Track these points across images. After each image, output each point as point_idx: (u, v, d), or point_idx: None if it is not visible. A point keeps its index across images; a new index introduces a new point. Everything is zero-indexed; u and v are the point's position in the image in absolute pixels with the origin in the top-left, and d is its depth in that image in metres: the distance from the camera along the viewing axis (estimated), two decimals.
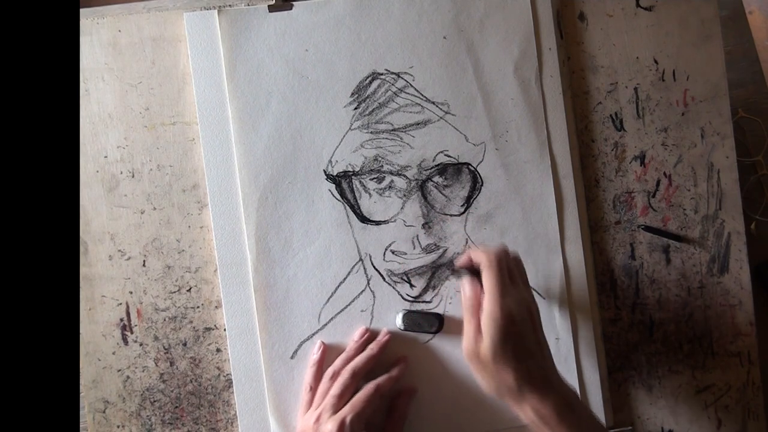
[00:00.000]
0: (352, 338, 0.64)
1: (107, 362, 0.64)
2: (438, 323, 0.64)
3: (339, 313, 0.64)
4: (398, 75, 0.65)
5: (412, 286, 0.64)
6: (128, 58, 0.65)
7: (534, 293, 0.65)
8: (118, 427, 0.64)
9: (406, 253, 0.64)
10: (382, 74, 0.65)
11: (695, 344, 0.68)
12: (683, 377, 0.68)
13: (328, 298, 0.64)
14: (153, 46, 0.65)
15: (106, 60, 0.64)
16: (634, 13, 0.67)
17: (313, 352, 0.63)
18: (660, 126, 0.68)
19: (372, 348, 0.62)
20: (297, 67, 0.64)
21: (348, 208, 0.64)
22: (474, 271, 0.57)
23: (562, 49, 0.67)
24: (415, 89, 0.65)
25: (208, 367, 0.65)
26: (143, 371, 0.65)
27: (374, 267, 0.64)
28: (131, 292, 0.65)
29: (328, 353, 0.64)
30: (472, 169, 0.65)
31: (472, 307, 0.56)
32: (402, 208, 0.64)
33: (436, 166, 0.65)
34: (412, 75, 0.65)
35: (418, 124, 0.65)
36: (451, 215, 0.65)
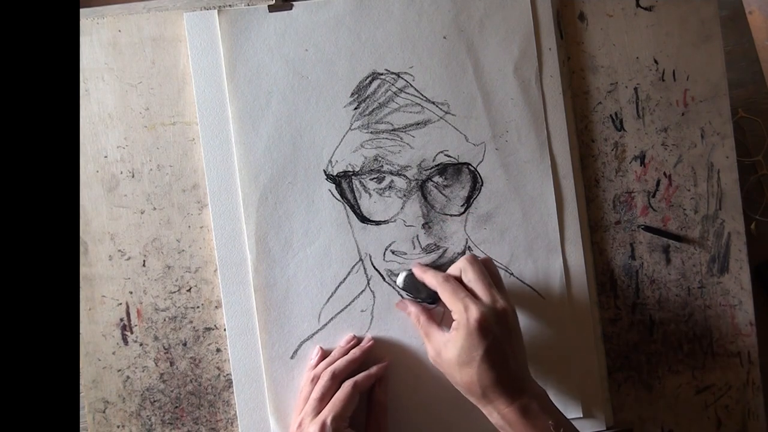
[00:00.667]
0: (339, 344, 0.64)
1: (107, 362, 0.64)
2: (435, 296, 0.62)
3: (339, 313, 0.64)
4: (398, 75, 0.65)
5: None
6: (128, 58, 0.65)
7: (534, 293, 0.65)
8: (118, 427, 0.64)
9: (406, 253, 0.64)
10: (382, 74, 0.65)
11: (695, 344, 0.68)
12: (683, 377, 0.68)
13: (328, 298, 0.64)
14: (153, 46, 0.65)
15: (106, 60, 0.64)
16: (634, 13, 0.67)
17: (311, 357, 0.63)
18: (660, 126, 0.68)
19: (354, 352, 0.62)
20: (297, 67, 0.64)
21: (348, 208, 0.65)
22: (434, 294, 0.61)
23: (562, 49, 0.67)
24: (415, 89, 0.65)
25: (208, 367, 0.65)
26: (143, 371, 0.65)
27: (374, 267, 0.65)
28: (131, 292, 0.65)
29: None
30: (472, 169, 0.65)
31: (420, 321, 0.60)
32: (402, 208, 0.64)
33: (436, 166, 0.65)
34: (412, 75, 0.65)
35: (418, 124, 0.65)
36: (451, 215, 0.65)
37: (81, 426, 0.64)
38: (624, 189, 0.68)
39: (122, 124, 0.65)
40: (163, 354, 0.65)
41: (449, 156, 0.65)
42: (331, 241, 0.64)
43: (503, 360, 0.54)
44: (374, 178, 0.64)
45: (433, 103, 0.65)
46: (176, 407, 0.65)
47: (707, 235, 0.68)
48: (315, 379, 0.61)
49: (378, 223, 0.64)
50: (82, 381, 0.64)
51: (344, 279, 0.64)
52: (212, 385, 0.65)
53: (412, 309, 0.62)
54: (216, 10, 0.64)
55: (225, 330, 0.64)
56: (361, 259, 0.64)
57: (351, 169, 0.64)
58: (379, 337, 0.64)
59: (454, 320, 0.56)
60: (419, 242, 0.64)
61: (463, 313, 0.55)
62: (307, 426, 0.57)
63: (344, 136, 0.64)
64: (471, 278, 0.58)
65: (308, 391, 0.60)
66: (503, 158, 0.66)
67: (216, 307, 0.65)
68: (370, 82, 0.65)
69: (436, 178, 0.65)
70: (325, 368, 0.61)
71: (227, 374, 0.65)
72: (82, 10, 0.63)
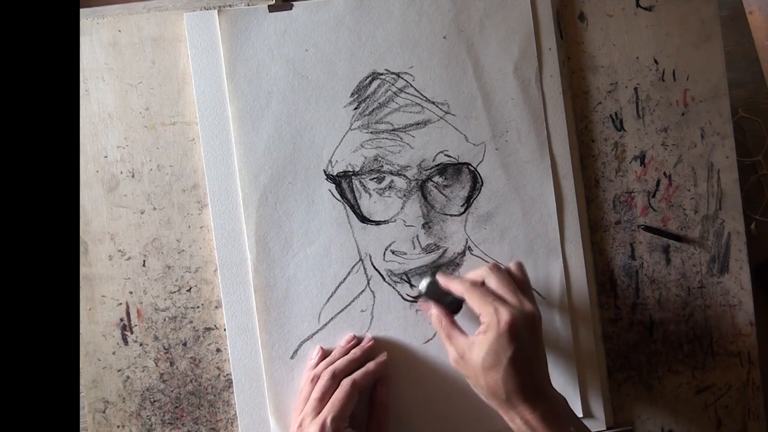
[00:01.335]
0: (339, 344, 0.64)
1: (107, 362, 0.64)
2: (458, 305, 0.62)
3: (339, 313, 0.64)
4: (398, 75, 0.65)
5: (412, 286, 0.64)
6: (128, 58, 0.65)
7: (534, 293, 0.65)
8: (118, 427, 0.64)
9: (406, 253, 0.64)
10: (382, 74, 0.65)
11: (695, 344, 0.68)
12: (683, 377, 0.68)
13: (328, 298, 0.64)
14: (153, 46, 0.65)
15: (106, 60, 0.64)
16: (634, 13, 0.67)
17: (311, 357, 0.63)
18: (660, 126, 0.68)
19: (354, 352, 0.62)
20: (297, 67, 0.64)
21: (348, 208, 0.64)
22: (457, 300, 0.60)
23: (562, 49, 0.67)
24: (415, 89, 0.65)
25: (208, 367, 0.65)
26: (143, 371, 0.65)
27: (374, 267, 0.65)
28: (131, 292, 0.65)
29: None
30: (472, 169, 0.65)
31: (441, 324, 0.59)
32: (402, 208, 0.64)
33: (436, 166, 0.65)
34: (412, 75, 0.65)
35: (418, 124, 0.65)
36: (451, 215, 0.65)
37: (81, 426, 0.64)
38: (624, 189, 0.68)
39: (122, 124, 0.65)
40: (163, 354, 0.65)
41: (449, 156, 0.65)
42: (331, 241, 0.64)
43: (529, 365, 0.54)
44: (374, 178, 0.64)
45: (433, 103, 0.65)
46: (176, 407, 0.65)
47: (707, 235, 0.68)
48: (315, 379, 0.61)
49: (378, 223, 0.64)
50: (82, 381, 0.64)
51: (344, 279, 0.64)
52: (212, 385, 0.65)
53: (434, 311, 0.60)
54: (216, 10, 0.64)
55: (225, 330, 0.64)
56: (361, 259, 0.64)
57: (351, 169, 0.64)
58: (379, 337, 0.64)
59: (482, 323, 0.55)
60: (419, 242, 0.64)
61: (494, 316, 0.54)
62: (308, 426, 0.57)
63: (344, 136, 0.64)
64: (495, 285, 0.57)
65: (308, 391, 0.60)
66: (503, 158, 0.66)
67: (216, 307, 0.65)
68: (370, 82, 0.65)
69: (436, 178, 0.65)
70: (325, 368, 0.61)
71: (227, 374, 0.65)
72: (82, 10, 0.63)
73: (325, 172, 0.64)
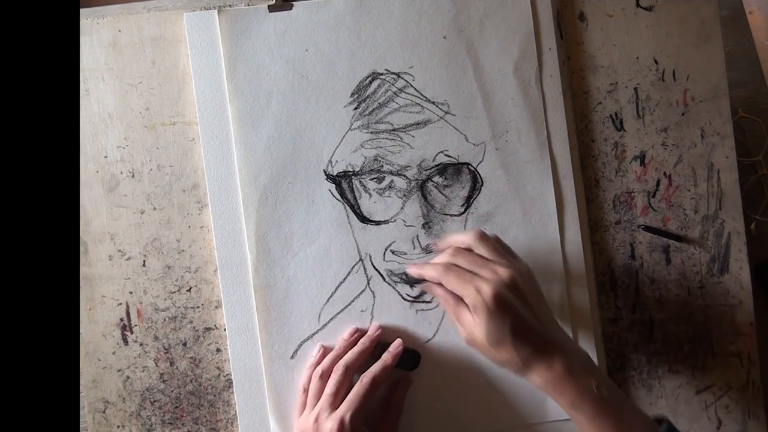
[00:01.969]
0: (341, 337, 0.64)
1: (107, 362, 0.64)
2: (415, 361, 0.63)
3: (339, 313, 0.64)
4: (398, 75, 0.65)
5: (412, 286, 0.64)
6: (128, 58, 0.65)
7: None
8: (118, 427, 0.64)
9: (406, 253, 0.64)
10: (382, 74, 0.65)
11: (695, 344, 0.68)
12: (683, 377, 0.68)
13: (328, 298, 0.64)
14: (153, 46, 0.65)
15: (106, 60, 0.64)
16: (634, 13, 0.67)
17: (312, 355, 0.63)
18: (660, 126, 0.68)
19: (363, 342, 0.62)
20: (297, 67, 0.64)
21: (348, 208, 0.65)
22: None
23: (562, 49, 0.67)
24: (415, 89, 0.65)
25: (208, 367, 0.65)
26: (143, 371, 0.65)
27: (374, 267, 0.65)
28: (131, 292, 0.65)
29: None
30: (472, 169, 0.65)
31: (450, 303, 0.56)
32: (402, 208, 0.64)
33: (436, 166, 0.65)
34: (412, 75, 0.65)
35: (418, 124, 0.65)
36: (451, 215, 0.65)
37: (81, 426, 0.64)
38: (624, 189, 0.68)
39: (122, 124, 0.65)
40: (163, 354, 0.65)
41: (449, 156, 0.65)
42: (331, 241, 0.64)
43: (532, 327, 0.53)
44: (374, 178, 0.64)
45: (433, 103, 0.65)
46: (176, 407, 0.65)
47: (707, 235, 0.68)
48: (325, 376, 0.60)
49: (378, 223, 0.64)
50: (82, 381, 0.64)
51: (344, 279, 0.64)
52: (212, 385, 0.65)
53: (440, 291, 0.57)
54: (216, 10, 0.64)
55: (225, 330, 0.64)
56: (361, 259, 0.64)
57: (351, 169, 0.64)
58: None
59: (468, 304, 0.54)
60: (419, 242, 0.64)
61: (477, 296, 0.53)
62: (324, 421, 0.56)
63: (344, 136, 0.64)
64: (485, 252, 0.57)
65: (317, 388, 0.59)
66: (503, 158, 0.66)
67: (216, 307, 0.65)
68: (370, 82, 0.65)
69: (436, 178, 0.65)
70: (332, 362, 0.60)
71: (227, 374, 0.65)
72: (82, 10, 0.63)
73: (325, 172, 0.64)
